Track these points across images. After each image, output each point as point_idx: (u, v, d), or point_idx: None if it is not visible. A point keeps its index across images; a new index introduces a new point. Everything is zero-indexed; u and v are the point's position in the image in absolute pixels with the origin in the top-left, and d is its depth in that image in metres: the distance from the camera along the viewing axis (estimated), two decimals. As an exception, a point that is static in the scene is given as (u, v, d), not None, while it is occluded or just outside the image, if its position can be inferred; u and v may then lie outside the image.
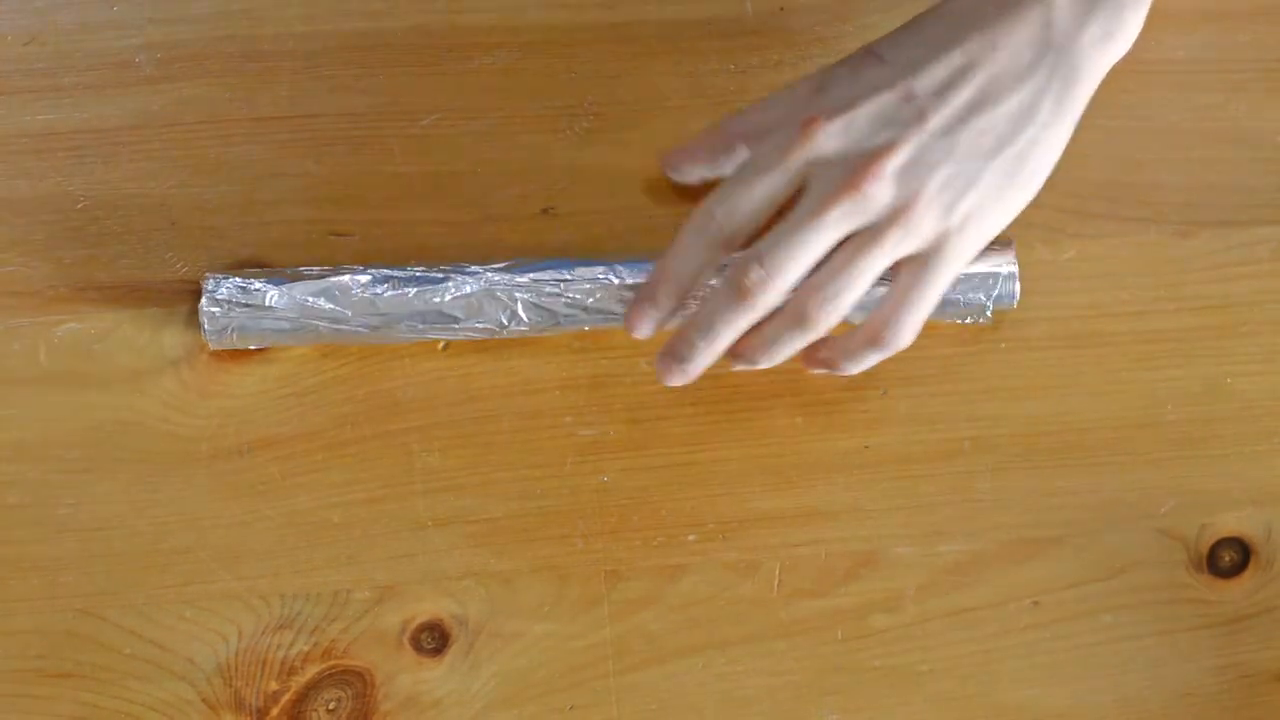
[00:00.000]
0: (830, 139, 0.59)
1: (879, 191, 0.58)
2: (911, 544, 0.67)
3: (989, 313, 0.65)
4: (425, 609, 0.65)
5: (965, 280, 0.64)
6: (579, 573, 0.66)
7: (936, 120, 0.59)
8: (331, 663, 0.64)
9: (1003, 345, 0.67)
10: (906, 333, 0.61)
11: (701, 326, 0.61)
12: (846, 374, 0.63)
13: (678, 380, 0.62)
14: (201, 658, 0.64)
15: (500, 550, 0.65)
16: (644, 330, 0.62)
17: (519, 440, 0.66)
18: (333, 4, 0.68)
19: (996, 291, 0.64)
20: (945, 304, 0.64)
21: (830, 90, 0.60)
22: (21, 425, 0.65)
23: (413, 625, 0.65)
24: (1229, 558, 0.67)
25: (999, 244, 0.64)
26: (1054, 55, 0.59)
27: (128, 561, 0.65)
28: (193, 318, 0.65)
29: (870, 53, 0.61)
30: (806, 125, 0.59)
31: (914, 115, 0.59)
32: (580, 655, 0.65)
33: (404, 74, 0.68)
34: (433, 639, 0.65)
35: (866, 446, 0.67)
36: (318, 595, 0.65)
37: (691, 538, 0.66)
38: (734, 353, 0.62)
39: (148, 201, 0.67)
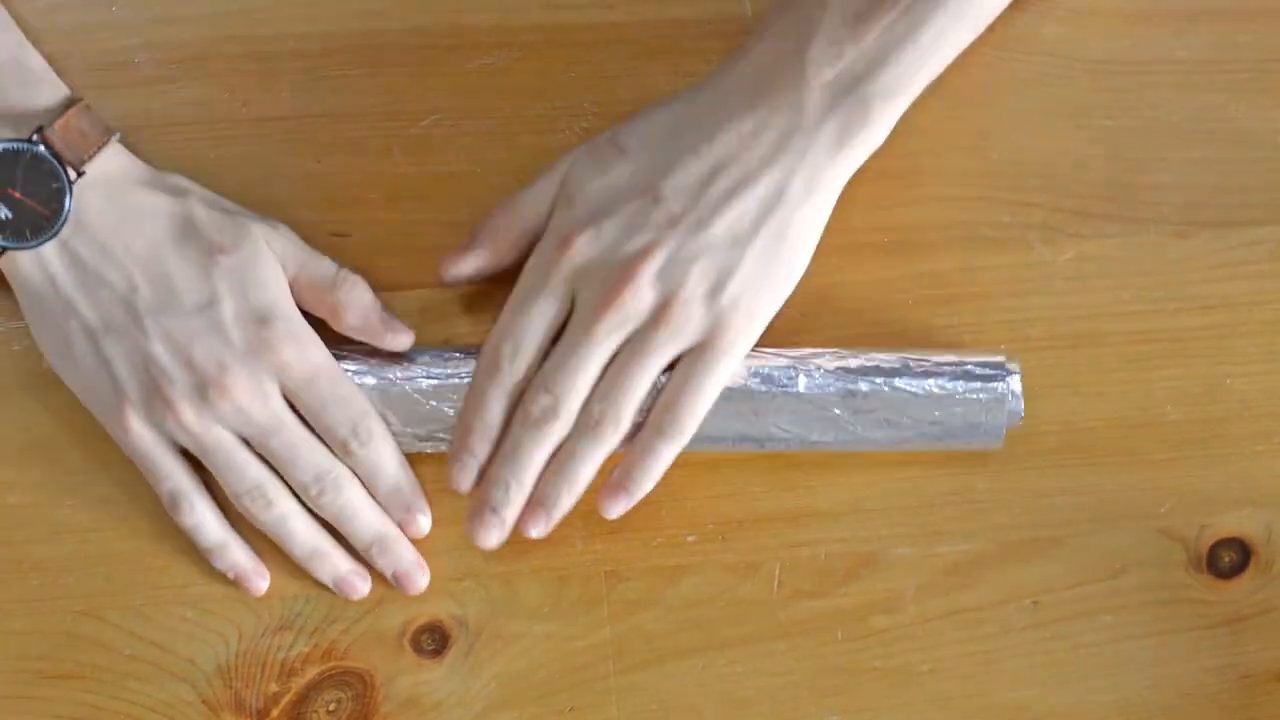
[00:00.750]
0: (586, 251, 0.61)
1: (639, 299, 0.60)
2: (911, 544, 0.67)
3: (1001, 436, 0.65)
4: (425, 610, 0.65)
5: (967, 405, 0.64)
6: (579, 573, 0.66)
7: (689, 218, 0.60)
8: (331, 664, 0.64)
9: (1003, 346, 0.67)
10: (687, 420, 0.62)
11: (506, 465, 0.62)
12: (642, 486, 0.63)
13: (495, 537, 0.63)
14: (202, 659, 0.64)
15: (500, 551, 0.65)
16: (467, 483, 0.63)
17: (519, 440, 0.66)
18: (333, 4, 0.68)
19: (1005, 420, 0.64)
20: (952, 437, 0.64)
21: (581, 196, 0.62)
22: (21, 425, 0.65)
23: (413, 626, 0.65)
24: (1229, 558, 0.67)
25: (1002, 369, 0.64)
26: (803, 138, 0.60)
27: (128, 562, 0.65)
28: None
29: (615, 146, 0.62)
30: (562, 244, 0.61)
31: (666, 218, 0.60)
32: (580, 656, 0.65)
33: (404, 74, 0.68)
34: (433, 640, 0.65)
35: (866, 447, 0.67)
36: (318, 596, 0.65)
37: (691, 538, 0.66)
38: (536, 494, 0.63)
39: (147, 202, 0.67)
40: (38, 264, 0.61)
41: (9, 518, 0.65)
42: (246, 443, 0.62)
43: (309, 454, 0.62)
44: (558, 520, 0.63)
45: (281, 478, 0.63)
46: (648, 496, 0.65)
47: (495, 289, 0.66)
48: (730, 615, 0.66)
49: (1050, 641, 0.66)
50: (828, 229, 0.63)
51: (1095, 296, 0.68)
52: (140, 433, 0.62)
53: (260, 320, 0.61)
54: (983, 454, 0.67)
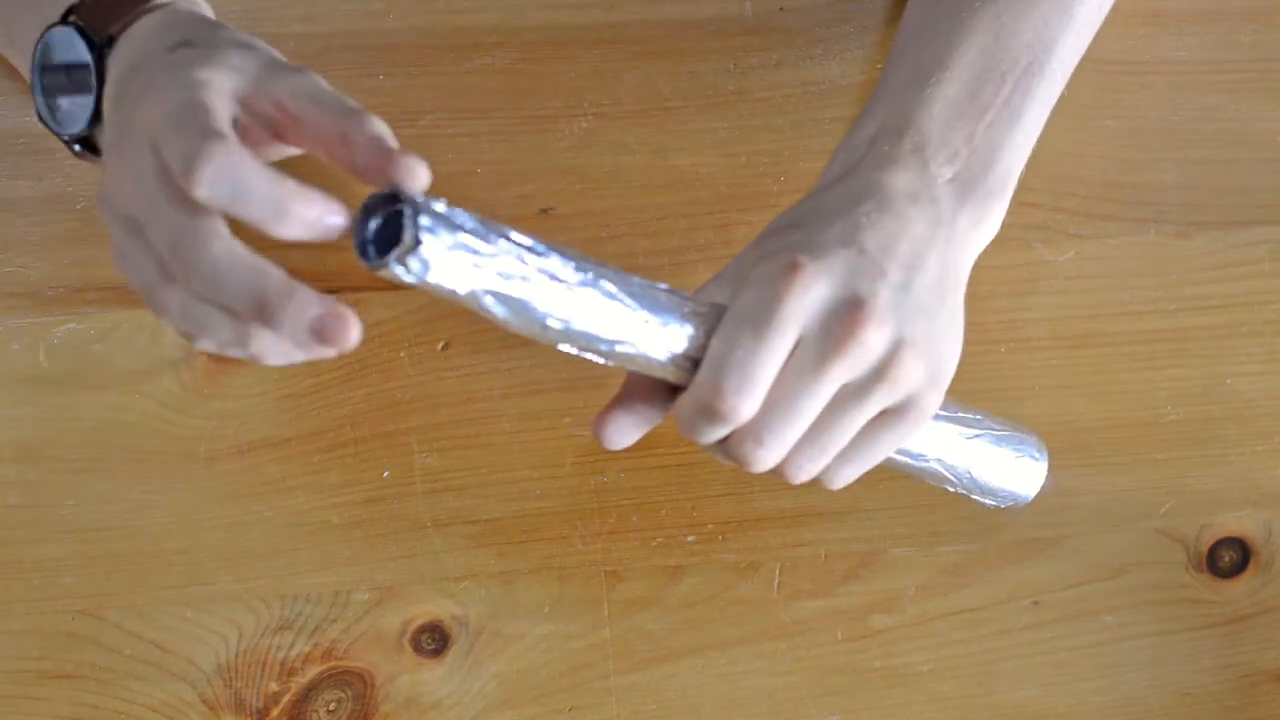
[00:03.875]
0: (818, 283, 0.54)
1: (876, 339, 0.54)
2: (911, 544, 0.67)
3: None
4: (425, 610, 0.65)
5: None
6: (579, 573, 0.66)
7: (894, 274, 0.56)
8: (331, 664, 0.64)
9: (1002, 347, 0.67)
10: (855, 472, 0.57)
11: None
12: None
13: None
14: (202, 659, 0.64)
15: (500, 551, 0.65)
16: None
17: (519, 440, 0.66)
18: (333, 4, 0.68)
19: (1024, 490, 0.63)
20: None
21: (784, 237, 0.56)
22: (21, 425, 0.65)
23: (413, 626, 0.65)
24: (1229, 558, 0.67)
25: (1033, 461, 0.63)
26: (945, 230, 0.58)
27: (127, 562, 0.65)
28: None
29: (788, 225, 0.57)
30: (791, 269, 0.54)
31: (874, 267, 0.55)
32: (580, 656, 0.65)
33: (404, 74, 0.68)
34: (433, 640, 0.65)
35: (866, 447, 0.67)
36: (318, 596, 0.65)
37: (691, 538, 0.66)
38: None
39: (147, 202, 0.67)
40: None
41: (9, 518, 0.65)
42: None
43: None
44: None
45: None
46: (647, 496, 0.65)
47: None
48: (730, 615, 0.66)
49: (1050, 641, 0.66)
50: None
51: (1095, 296, 0.68)
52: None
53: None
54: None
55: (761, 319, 0.53)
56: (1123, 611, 0.66)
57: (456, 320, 0.67)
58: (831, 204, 0.58)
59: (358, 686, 0.64)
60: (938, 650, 0.66)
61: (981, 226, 0.59)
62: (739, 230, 0.68)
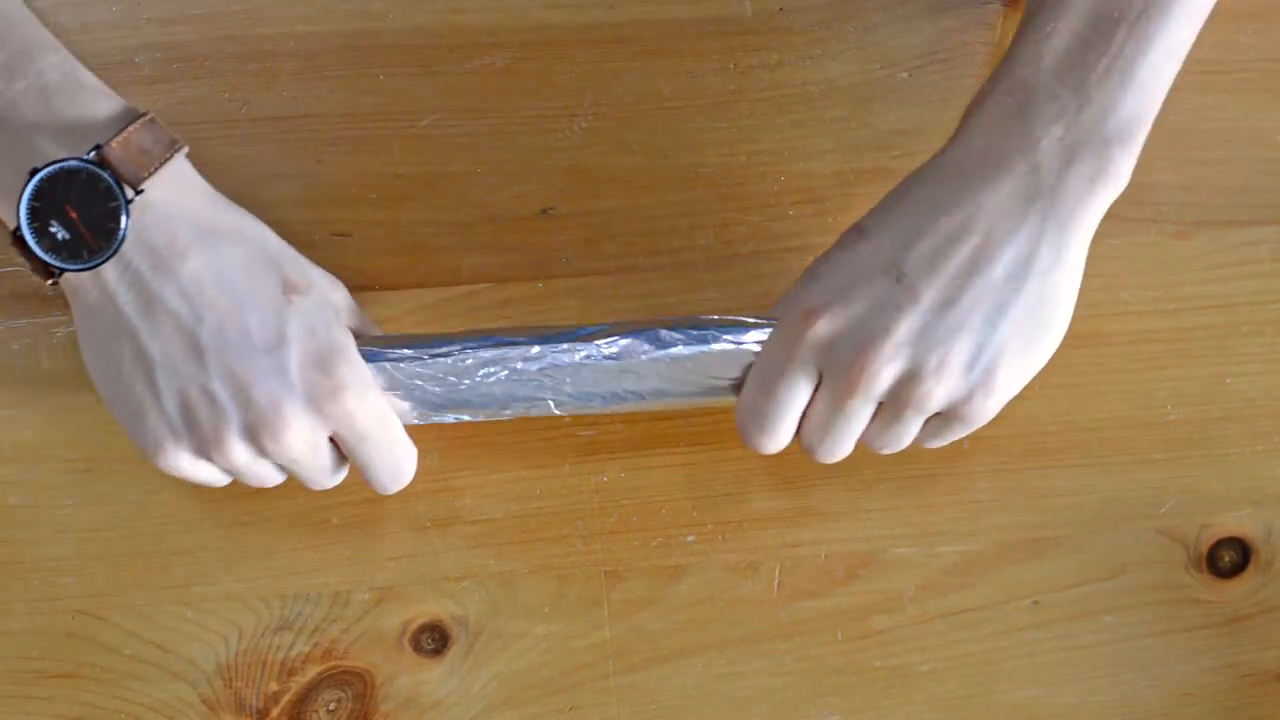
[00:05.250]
0: (829, 329, 0.59)
1: (884, 377, 0.59)
2: (911, 544, 0.67)
3: None
4: (425, 610, 0.65)
5: None
6: (579, 573, 0.66)
7: (930, 296, 0.58)
8: (331, 664, 0.64)
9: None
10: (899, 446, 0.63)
11: None
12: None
13: None
14: (202, 659, 0.64)
15: (500, 551, 0.65)
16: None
17: (518, 440, 0.66)
18: (333, 4, 0.68)
19: None
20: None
21: (823, 277, 0.60)
22: (21, 425, 0.65)
23: (413, 626, 0.65)
24: (1229, 558, 0.67)
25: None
26: (1044, 201, 0.58)
27: (128, 562, 0.65)
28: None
29: (857, 229, 0.61)
30: (805, 318, 0.59)
31: (907, 295, 0.58)
32: (580, 656, 0.65)
33: (404, 74, 0.68)
34: (433, 640, 0.65)
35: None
36: (318, 596, 0.65)
37: (691, 538, 0.66)
38: None
39: (147, 202, 0.67)
40: (96, 282, 0.57)
41: (9, 518, 0.65)
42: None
43: (333, 482, 0.63)
44: None
45: None
46: (647, 496, 0.65)
47: (495, 288, 0.66)
48: (730, 615, 0.66)
49: (1050, 641, 0.66)
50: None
51: (1095, 296, 0.68)
52: (180, 464, 0.59)
53: (324, 367, 0.59)
54: (983, 453, 0.67)
55: (773, 373, 0.60)
56: (1123, 611, 0.66)
57: (456, 320, 0.67)
58: (915, 198, 0.60)
59: (358, 686, 0.64)
60: (938, 650, 0.66)
61: (1101, 181, 0.58)
62: (739, 230, 0.68)
